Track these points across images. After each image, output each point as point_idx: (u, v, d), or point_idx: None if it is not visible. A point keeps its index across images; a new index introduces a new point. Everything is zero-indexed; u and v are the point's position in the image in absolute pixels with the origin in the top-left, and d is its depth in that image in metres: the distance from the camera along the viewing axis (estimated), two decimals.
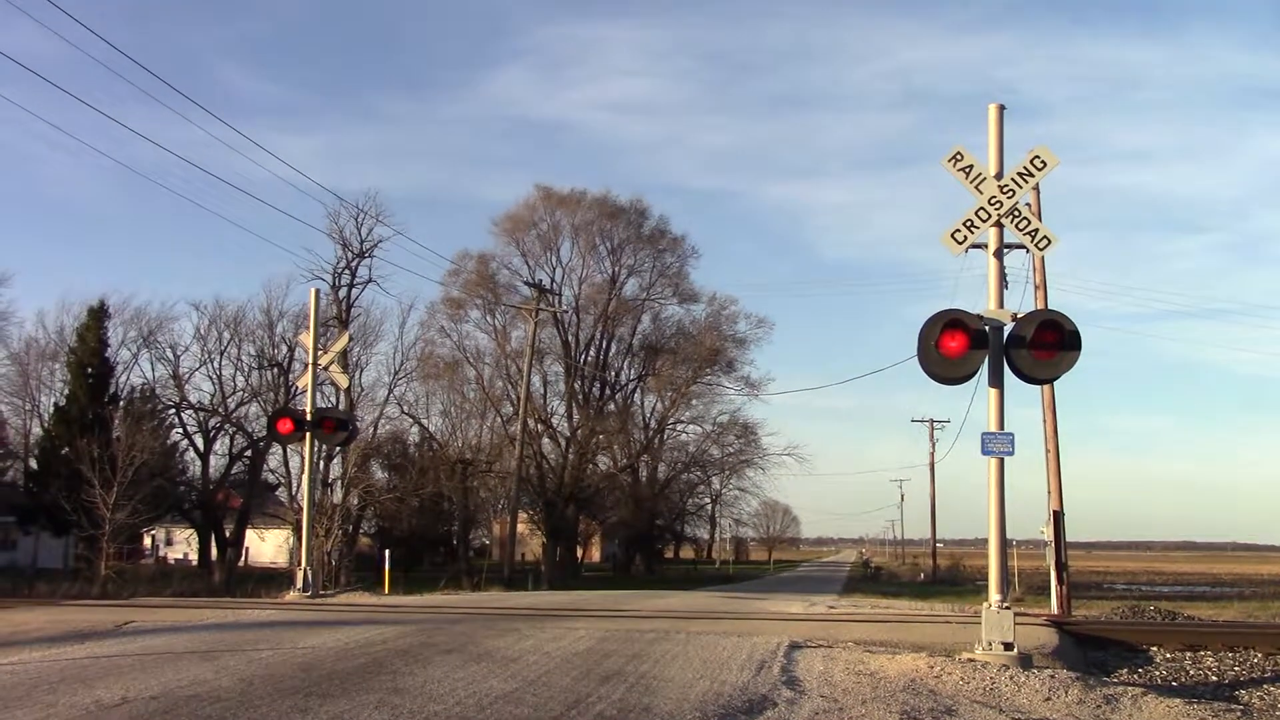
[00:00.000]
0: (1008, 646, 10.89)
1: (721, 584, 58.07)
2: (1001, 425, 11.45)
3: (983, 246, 12.08)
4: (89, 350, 54.93)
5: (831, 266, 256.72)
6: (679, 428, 71.62)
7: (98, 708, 7.69)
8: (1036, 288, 29.00)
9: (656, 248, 67.67)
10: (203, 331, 59.16)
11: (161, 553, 72.33)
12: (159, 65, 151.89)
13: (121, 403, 55.55)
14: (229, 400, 58.72)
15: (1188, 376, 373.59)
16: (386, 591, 28.78)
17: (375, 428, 57.13)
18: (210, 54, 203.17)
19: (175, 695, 8.14)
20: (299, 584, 22.86)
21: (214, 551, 57.30)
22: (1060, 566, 27.25)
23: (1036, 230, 11.78)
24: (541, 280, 60.80)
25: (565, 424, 65.51)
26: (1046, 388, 27.98)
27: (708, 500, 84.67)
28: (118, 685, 8.58)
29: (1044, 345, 11.25)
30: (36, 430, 58.84)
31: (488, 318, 64.86)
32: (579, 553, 70.84)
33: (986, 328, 11.34)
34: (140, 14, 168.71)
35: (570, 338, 65.26)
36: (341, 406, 46.69)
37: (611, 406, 67.49)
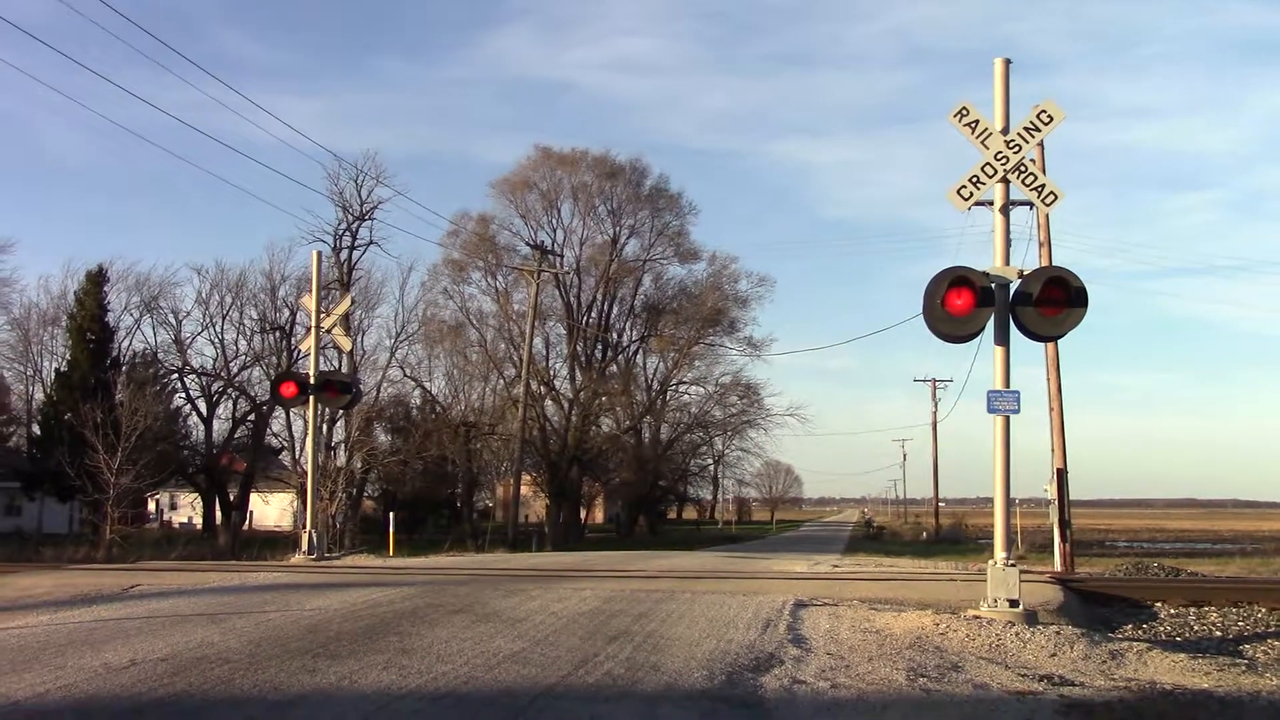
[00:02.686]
0: (1013, 603, 10.89)
1: (725, 544, 58.36)
2: (1007, 383, 11.40)
3: (988, 203, 11.98)
4: (89, 315, 54.92)
5: (834, 226, 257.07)
6: (681, 389, 71.65)
7: (106, 670, 7.70)
8: (1041, 244, 28.84)
9: (656, 207, 67.36)
10: (204, 296, 59.17)
11: (166, 517, 72.65)
12: (155, 27, 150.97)
13: (124, 367, 55.59)
14: (231, 364, 58.79)
15: (1189, 334, 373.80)
16: (391, 554, 28.88)
17: (378, 391, 57.19)
18: (209, 17, 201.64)
19: (183, 657, 8.16)
20: (304, 547, 22.90)
21: (218, 515, 57.54)
22: (1064, 524, 27.31)
23: (1043, 186, 11.67)
24: (543, 241, 60.56)
25: (568, 386, 65.57)
26: (1050, 346, 27.92)
27: (710, 461, 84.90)
28: (125, 648, 8.60)
29: (1050, 302, 11.16)
30: (39, 396, 58.97)
31: (489, 279, 64.77)
32: (582, 514, 71.08)
33: (993, 285, 11.25)
34: None
35: (572, 299, 65.15)
36: (344, 370, 46.59)
37: (614, 368, 67.47)
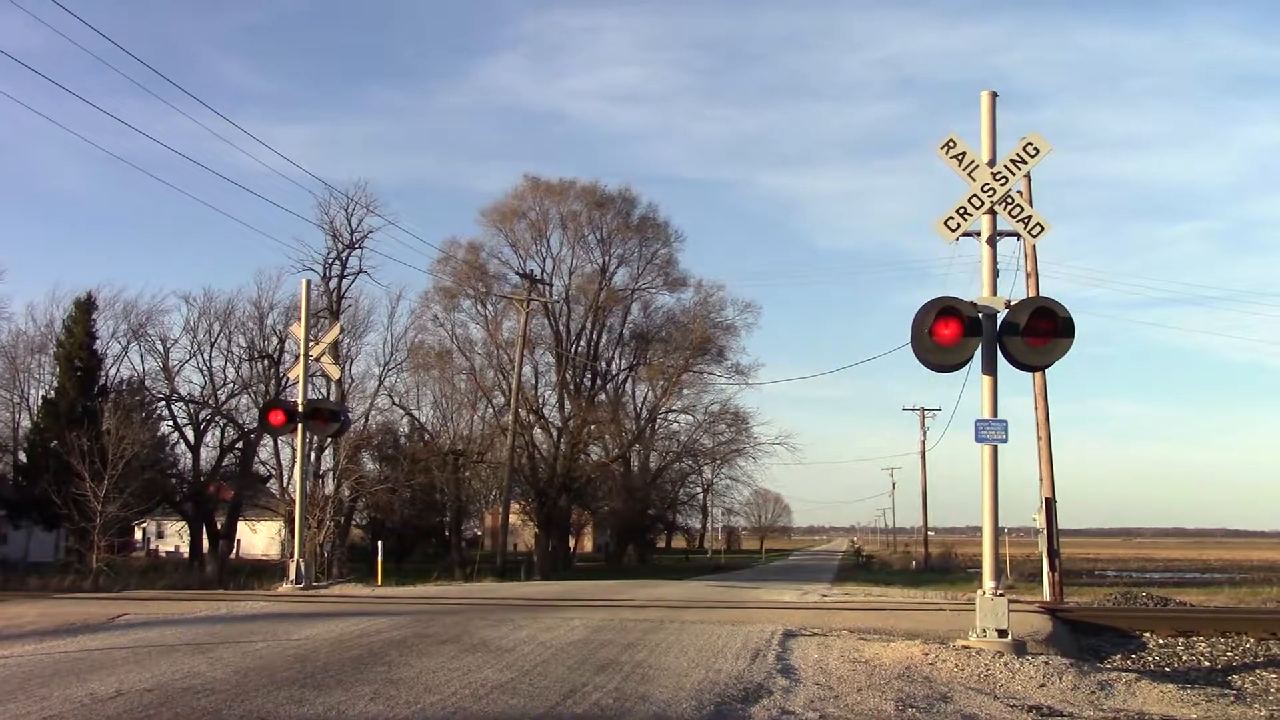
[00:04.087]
0: (1002, 633, 10.89)
1: (713, 573, 58.15)
2: (995, 412, 11.44)
3: (975, 234, 12.10)
4: (77, 343, 54.70)
5: (824, 255, 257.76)
6: (670, 417, 71.62)
7: (92, 700, 7.65)
8: (1028, 275, 28.99)
9: (645, 236, 67.49)
10: (192, 323, 58.85)
11: (153, 546, 72.19)
12: (149, 55, 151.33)
13: (111, 395, 55.33)
14: (219, 392, 58.50)
15: (1178, 363, 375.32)
16: (379, 582, 28.74)
17: (366, 419, 56.93)
18: (200, 45, 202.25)
19: (170, 687, 8.11)
20: (291, 575, 22.82)
21: (205, 544, 57.16)
22: (1053, 553, 27.30)
23: (1030, 217, 11.77)
24: (532, 270, 60.60)
25: (557, 414, 65.42)
26: (1038, 375, 27.98)
27: (699, 490, 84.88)
28: (112, 678, 8.54)
29: (1038, 332, 11.23)
30: (25, 423, 58.62)
31: (478, 308, 64.77)
32: (571, 543, 70.84)
33: (980, 315, 11.31)
34: (130, 3, 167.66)
35: (561, 328, 65.17)
36: (332, 398, 46.51)
37: (603, 396, 67.44)
